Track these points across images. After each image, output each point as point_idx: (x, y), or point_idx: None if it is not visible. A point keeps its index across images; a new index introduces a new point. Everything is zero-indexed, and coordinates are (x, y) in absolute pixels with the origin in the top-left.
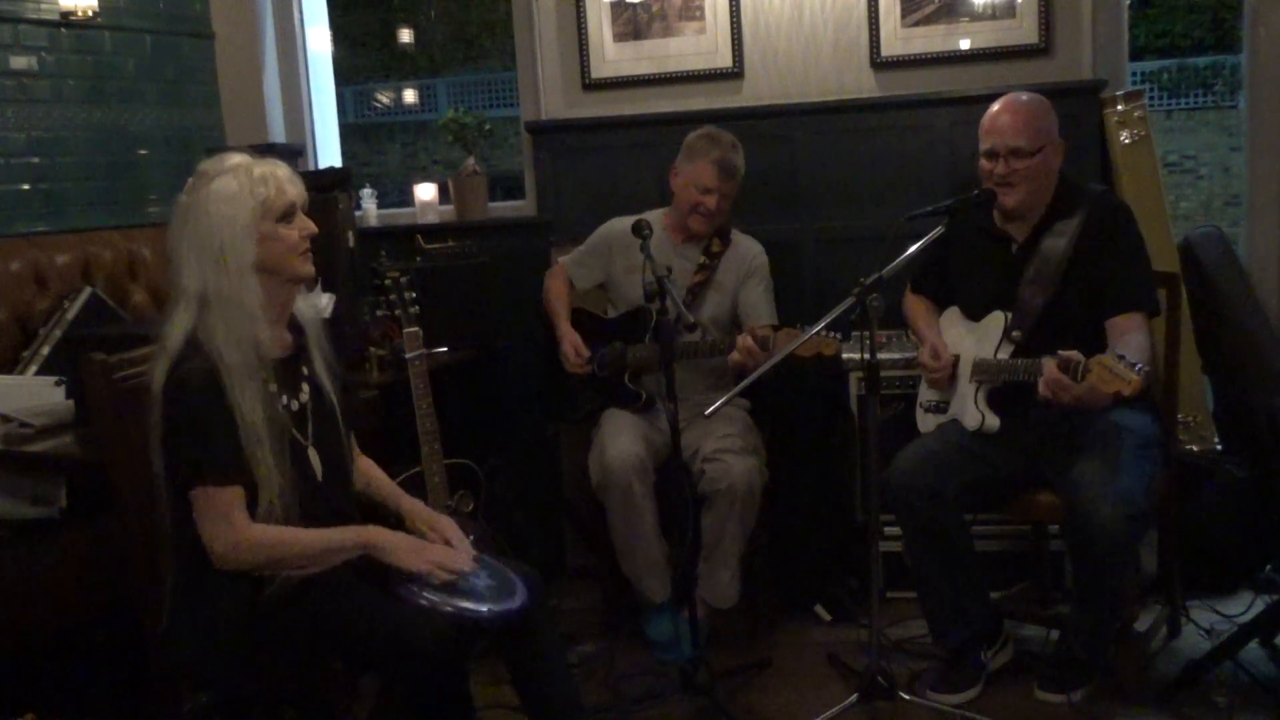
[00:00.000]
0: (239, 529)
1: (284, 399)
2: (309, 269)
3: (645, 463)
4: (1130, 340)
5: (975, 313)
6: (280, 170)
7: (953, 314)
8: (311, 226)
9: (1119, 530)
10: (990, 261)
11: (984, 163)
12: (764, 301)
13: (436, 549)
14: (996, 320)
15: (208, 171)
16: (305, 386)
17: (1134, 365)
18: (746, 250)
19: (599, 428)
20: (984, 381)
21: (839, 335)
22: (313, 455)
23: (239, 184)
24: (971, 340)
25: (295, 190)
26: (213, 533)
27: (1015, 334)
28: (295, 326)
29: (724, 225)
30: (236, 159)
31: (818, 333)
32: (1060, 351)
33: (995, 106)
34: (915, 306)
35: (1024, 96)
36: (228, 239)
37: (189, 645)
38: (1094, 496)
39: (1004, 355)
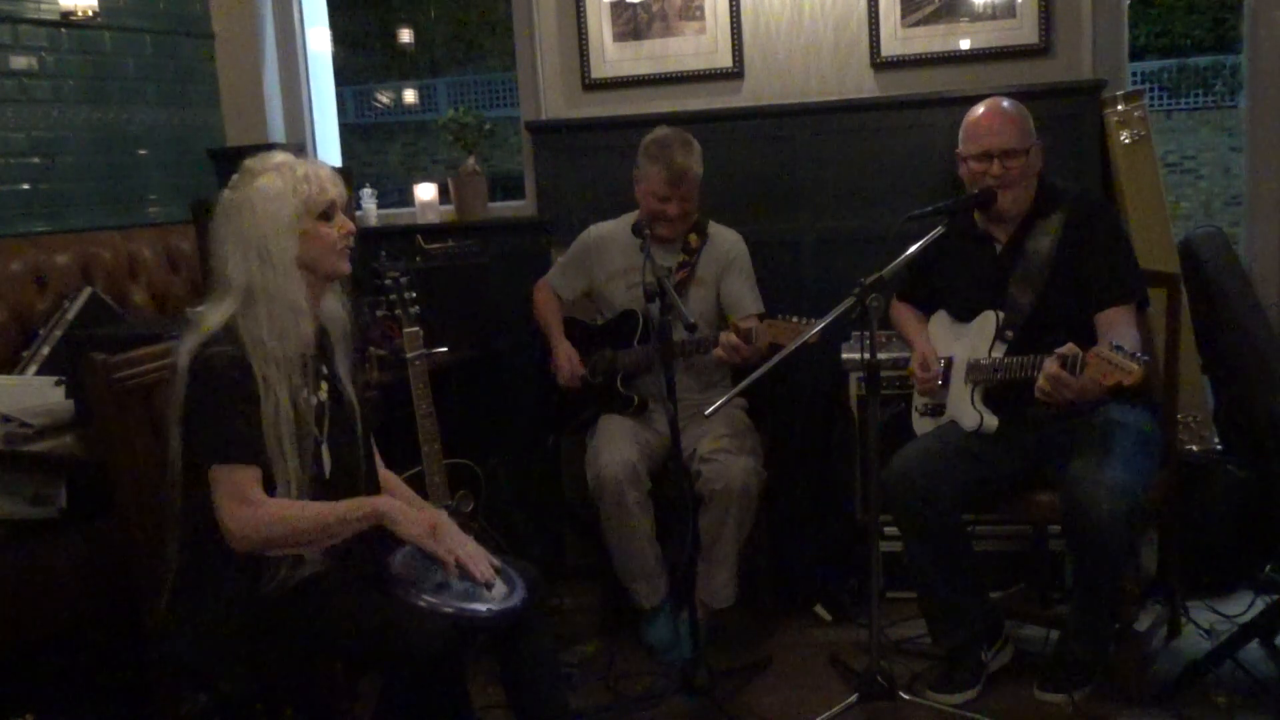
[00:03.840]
0: (256, 505)
1: (305, 393)
2: (346, 266)
3: (639, 470)
4: (1121, 333)
5: (964, 315)
6: (323, 170)
7: (941, 318)
8: (350, 225)
9: (1116, 525)
10: (975, 264)
11: (974, 165)
12: (746, 291)
13: (449, 534)
14: (988, 320)
15: (253, 169)
16: (324, 385)
17: (1133, 355)
18: (724, 241)
19: (594, 434)
20: (979, 382)
21: (806, 320)
22: (324, 453)
23: (283, 182)
24: (963, 342)
25: (336, 190)
26: (230, 511)
27: (1008, 333)
28: (318, 326)
29: (698, 220)
30: (281, 157)
31: (803, 326)
32: (1057, 350)
33: (979, 110)
34: (902, 314)
35: (1005, 101)
36: (271, 235)
37: (188, 640)
38: (1090, 491)
39: (998, 354)
